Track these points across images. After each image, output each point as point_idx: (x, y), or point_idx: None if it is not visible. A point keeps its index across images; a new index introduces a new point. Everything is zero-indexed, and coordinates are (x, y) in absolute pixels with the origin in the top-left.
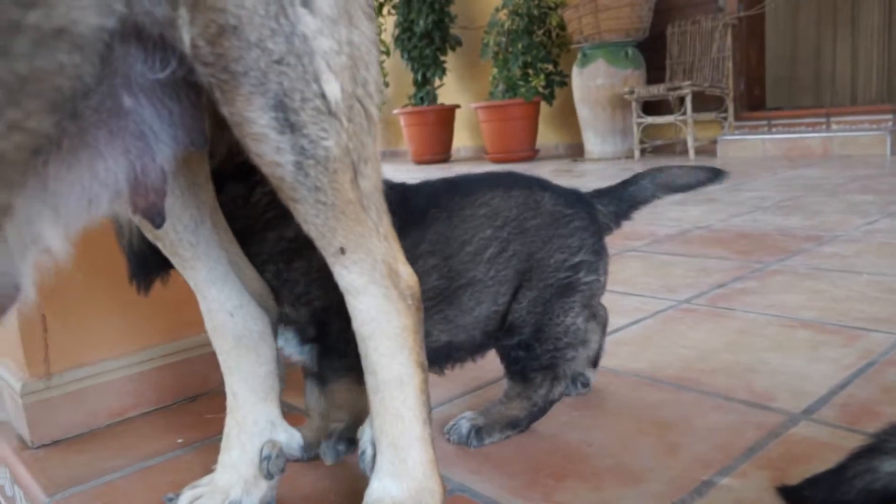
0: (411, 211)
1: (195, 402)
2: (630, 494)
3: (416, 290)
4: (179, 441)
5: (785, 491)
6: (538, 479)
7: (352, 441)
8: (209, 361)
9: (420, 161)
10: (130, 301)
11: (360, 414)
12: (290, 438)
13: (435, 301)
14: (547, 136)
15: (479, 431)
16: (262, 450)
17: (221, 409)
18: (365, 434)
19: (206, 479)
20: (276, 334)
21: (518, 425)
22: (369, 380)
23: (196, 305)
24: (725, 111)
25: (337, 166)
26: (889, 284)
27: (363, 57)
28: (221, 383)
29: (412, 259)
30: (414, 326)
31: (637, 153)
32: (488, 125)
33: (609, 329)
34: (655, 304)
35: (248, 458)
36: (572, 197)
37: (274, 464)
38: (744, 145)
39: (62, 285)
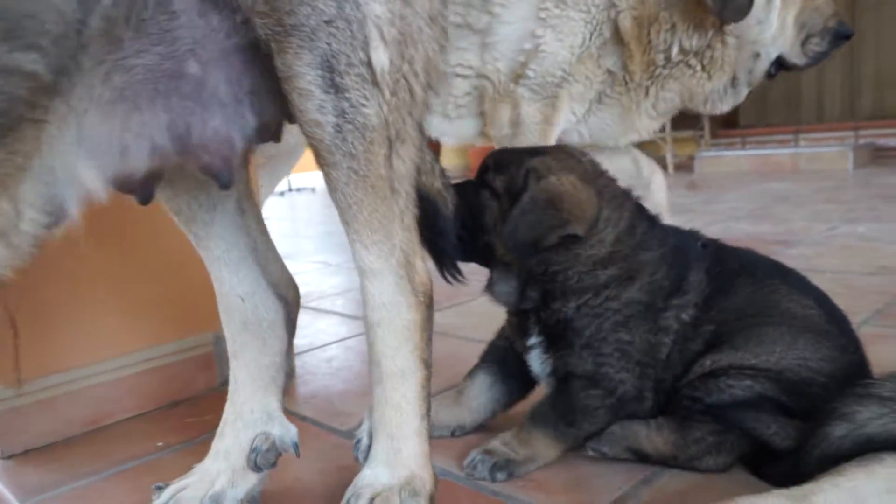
0: (722, 271)
1: (177, 408)
2: None
3: (428, 288)
4: (159, 444)
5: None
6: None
7: (511, 473)
8: (190, 367)
9: None
10: (106, 307)
11: (534, 458)
12: (285, 433)
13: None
14: None
15: None
16: (253, 441)
17: (204, 412)
18: (364, 424)
19: (196, 468)
20: (292, 328)
21: None
22: (374, 370)
23: (175, 310)
24: (702, 129)
25: (374, 136)
26: (849, 281)
27: (413, 35)
28: (203, 389)
29: (700, 319)
30: (422, 323)
31: None
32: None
33: None
34: None
35: (240, 448)
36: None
37: (263, 457)
38: (719, 161)
39: (34, 289)
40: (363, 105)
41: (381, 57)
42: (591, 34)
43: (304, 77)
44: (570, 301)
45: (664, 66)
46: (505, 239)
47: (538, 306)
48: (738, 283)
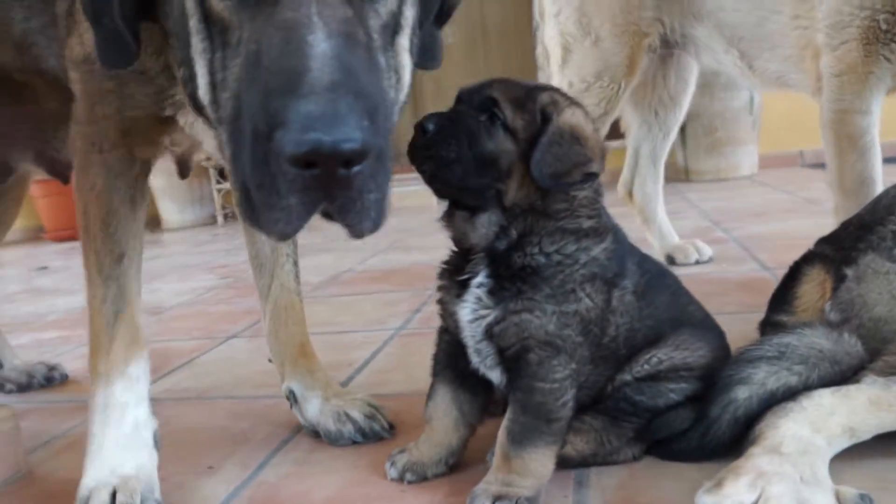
0: (650, 269)
1: None
2: None
3: None
4: None
5: (658, 451)
6: None
7: None
8: None
9: None
10: None
11: (541, 481)
12: None
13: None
14: None
15: None
16: None
17: None
18: None
19: None
20: None
21: None
22: None
23: None
24: None
25: None
26: None
27: None
28: None
29: (643, 310)
30: None
31: (220, 219)
32: (47, 200)
33: (361, 361)
34: (379, 336)
35: None
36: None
37: None
38: None
39: None
40: None
41: None
42: None
43: None
44: (548, 245)
45: None
46: (533, 170)
47: (511, 245)
48: (662, 283)
